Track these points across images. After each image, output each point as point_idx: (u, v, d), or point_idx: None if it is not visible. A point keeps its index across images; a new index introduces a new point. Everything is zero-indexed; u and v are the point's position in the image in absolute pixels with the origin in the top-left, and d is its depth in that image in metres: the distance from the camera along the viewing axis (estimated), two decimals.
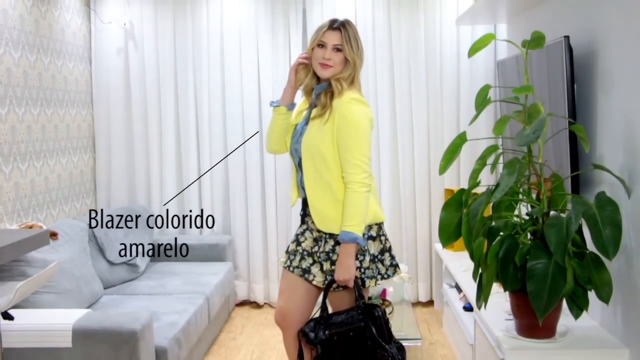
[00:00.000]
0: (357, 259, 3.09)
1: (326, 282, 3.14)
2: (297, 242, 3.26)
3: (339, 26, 3.10)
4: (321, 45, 3.10)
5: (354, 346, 3.05)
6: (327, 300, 3.17)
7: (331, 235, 3.12)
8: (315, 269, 3.18)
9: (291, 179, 3.36)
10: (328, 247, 3.14)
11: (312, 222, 3.18)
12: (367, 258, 3.14)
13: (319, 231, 3.17)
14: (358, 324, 3.05)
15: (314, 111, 3.15)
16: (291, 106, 3.25)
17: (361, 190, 3.03)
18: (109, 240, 4.79)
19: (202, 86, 5.60)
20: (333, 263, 3.11)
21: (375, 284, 3.19)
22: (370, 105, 3.19)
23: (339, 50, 3.08)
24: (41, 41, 4.68)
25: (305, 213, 3.25)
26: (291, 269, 3.23)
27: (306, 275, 3.19)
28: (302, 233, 3.27)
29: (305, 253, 3.22)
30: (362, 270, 3.13)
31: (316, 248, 3.19)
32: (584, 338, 3.22)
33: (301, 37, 5.53)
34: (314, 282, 3.18)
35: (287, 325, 3.28)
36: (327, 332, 3.06)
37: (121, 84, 5.61)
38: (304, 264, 3.21)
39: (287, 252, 3.31)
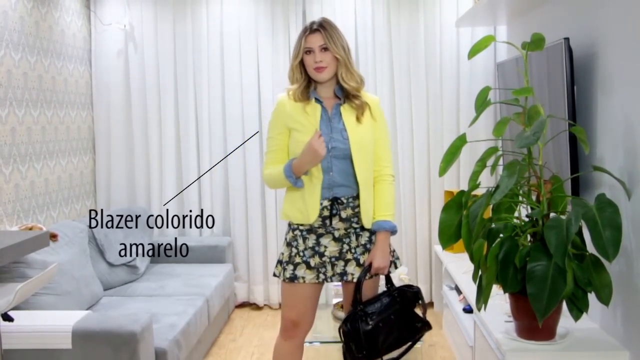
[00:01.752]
0: None
1: (368, 273, 3.21)
2: (319, 254, 3.22)
3: (318, 27, 3.12)
4: (308, 51, 3.12)
5: (394, 326, 3.18)
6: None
7: (362, 228, 3.24)
8: (350, 268, 3.23)
9: (309, 186, 3.20)
10: (364, 240, 3.25)
11: (342, 221, 3.20)
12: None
13: (346, 229, 3.22)
14: (396, 306, 3.20)
15: (352, 112, 3.20)
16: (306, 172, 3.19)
17: (394, 183, 3.33)
18: (109, 241, 4.80)
19: (202, 88, 5.61)
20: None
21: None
22: None
23: (325, 49, 3.10)
24: (41, 43, 4.69)
25: (332, 214, 3.20)
26: (328, 280, 3.25)
27: (345, 278, 3.24)
28: (317, 243, 3.23)
29: (333, 259, 3.23)
30: (392, 252, 3.32)
31: (345, 247, 3.23)
32: (584, 340, 3.23)
33: None
34: (353, 280, 3.22)
35: (298, 334, 3.35)
36: (370, 322, 3.13)
37: (121, 85, 5.63)
38: (338, 270, 3.23)
39: (309, 268, 3.22)
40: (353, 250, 3.23)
